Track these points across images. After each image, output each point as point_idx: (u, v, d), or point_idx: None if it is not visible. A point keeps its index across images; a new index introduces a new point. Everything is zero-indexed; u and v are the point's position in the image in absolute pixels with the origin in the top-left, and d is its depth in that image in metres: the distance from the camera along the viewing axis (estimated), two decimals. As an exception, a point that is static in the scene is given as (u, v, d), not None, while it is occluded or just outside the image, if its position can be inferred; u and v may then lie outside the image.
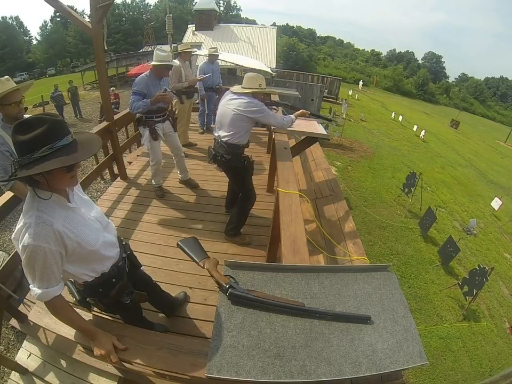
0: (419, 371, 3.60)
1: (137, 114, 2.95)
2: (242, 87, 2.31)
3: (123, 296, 1.33)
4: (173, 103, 4.25)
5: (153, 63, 2.81)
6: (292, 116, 2.56)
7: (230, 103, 2.31)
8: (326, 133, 2.96)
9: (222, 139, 2.39)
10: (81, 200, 1.16)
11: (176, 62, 3.27)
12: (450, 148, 15.95)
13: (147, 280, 1.75)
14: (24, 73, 32.15)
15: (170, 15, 3.12)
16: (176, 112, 4.25)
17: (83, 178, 3.09)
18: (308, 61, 41.03)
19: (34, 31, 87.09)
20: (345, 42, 66.97)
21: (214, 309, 0.95)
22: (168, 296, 1.93)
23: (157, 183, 3.36)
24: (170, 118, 3.17)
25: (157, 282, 2.31)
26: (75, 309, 1.16)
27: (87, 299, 1.26)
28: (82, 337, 1.20)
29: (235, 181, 2.75)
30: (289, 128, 2.74)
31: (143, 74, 2.89)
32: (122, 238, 1.45)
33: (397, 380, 1.70)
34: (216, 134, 2.50)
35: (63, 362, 1.72)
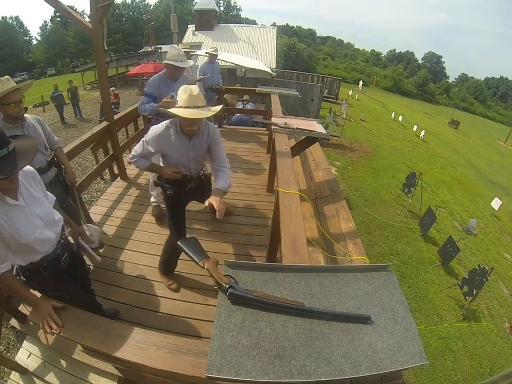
0: (419, 371, 3.60)
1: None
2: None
3: (47, 286, 1.41)
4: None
5: (165, 61, 2.67)
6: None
7: None
8: (326, 133, 2.96)
9: None
10: (30, 197, 1.29)
11: (189, 62, 2.92)
12: (450, 148, 15.95)
13: (85, 282, 1.85)
14: (24, 73, 32.18)
15: (175, 14, 3.08)
16: None
17: (83, 178, 3.09)
18: (307, 61, 41.07)
19: (34, 31, 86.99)
20: (345, 42, 67.04)
21: (214, 309, 0.95)
22: (98, 305, 1.87)
23: (155, 198, 2.99)
24: None
25: (157, 282, 2.32)
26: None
27: (19, 276, 1.38)
28: (78, 336, 1.20)
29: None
30: (289, 128, 2.74)
31: (156, 75, 2.76)
32: (66, 237, 1.54)
33: (397, 380, 1.70)
34: None
35: (63, 362, 1.72)
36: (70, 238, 1.62)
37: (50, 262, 1.39)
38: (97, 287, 2.24)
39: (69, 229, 1.61)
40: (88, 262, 2.44)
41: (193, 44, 18.31)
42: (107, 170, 4.03)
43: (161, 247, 2.62)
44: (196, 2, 23.10)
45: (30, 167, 1.35)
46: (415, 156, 11.89)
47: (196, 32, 19.61)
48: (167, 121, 1.81)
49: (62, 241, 1.49)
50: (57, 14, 39.00)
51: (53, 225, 1.40)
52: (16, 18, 40.64)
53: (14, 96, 1.69)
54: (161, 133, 1.80)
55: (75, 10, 24.99)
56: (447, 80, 56.11)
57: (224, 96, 5.96)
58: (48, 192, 1.48)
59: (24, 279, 1.37)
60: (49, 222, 1.37)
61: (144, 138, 1.83)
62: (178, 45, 3.76)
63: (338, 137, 10.65)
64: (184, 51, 4.02)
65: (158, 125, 1.82)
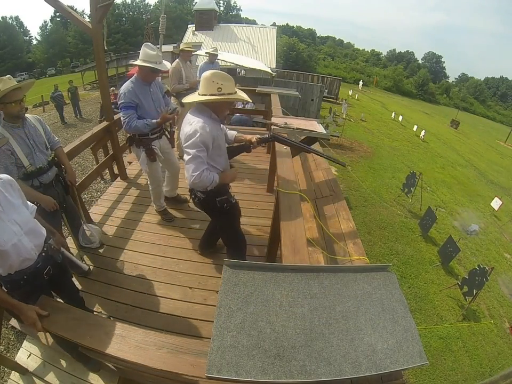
0: (419, 371, 3.60)
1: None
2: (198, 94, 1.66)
3: (28, 299, 1.34)
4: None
5: (137, 62, 2.30)
6: (215, 174, 1.72)
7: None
8: (326, 133, 2.96)
9: None
10: (7, 204, 1.27)
11: (167, 65, 2.64)
12: (450, 148, 15.94)
13: (71, 290, 1.79)
14: (24, 73, 32.15)
15: (165, 15, 3.05)
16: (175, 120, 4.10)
17: (83, 178, 3.10)
18: (307, 61, 41.04)
19: (34, 31, 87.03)
20: (345, 42, 66.95)
21: (214, 309, 0.95)
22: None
23: (160, 206, 2.98)
24: (166, 133, 2.81)
25: (157, 282, 2.32)
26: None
27: (1, 286, 1.35)
28: (78, 336, 1.20)
29: (218, 225, 2.27)
30: (289, 128, 2.74)
31: (128, 82, 2.40)
32: (47, 248, 1.47)
33: (397, 380, 1.70)
34: None
35: (63, 362, 1.72)
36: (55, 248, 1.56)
37: (31, 276, 1.36)
38: (97, 287, 2.25)
39: (51, 239, 1.54)
40: (88, 262, 2.45)
41: (193, 44, 18.33)
42: (107, 170, 4.03)
43: (161, 247, 2.64)
44: (196, 2, 23.09)
45: (8, 175, 1.34)
46: (415, 156, 11.89)
47: (196, 32, 19.60)
48: (201, 119, 1.63)
49: (43, 254, 1.44)
50: (57, 14, 39.04)
51: (32, 234, 1.36)
52: (16, 18, 40.67)
53: (16, 95, 1.69)
54: (211, 127, 1.65)
55: (75, 10, 25.02)
56: (447, 80, 56.06)
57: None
58: (28, 202, 1.44)
59: (6, 290, 1.34)
60: (28, 230, 1.33)
61: (195, 139, 1.58)
62: (177, 45, 3.72)
63: (338, 137, 10.65)
64: (186, 49, 3.96)
65: (198, 123, 1.62)
